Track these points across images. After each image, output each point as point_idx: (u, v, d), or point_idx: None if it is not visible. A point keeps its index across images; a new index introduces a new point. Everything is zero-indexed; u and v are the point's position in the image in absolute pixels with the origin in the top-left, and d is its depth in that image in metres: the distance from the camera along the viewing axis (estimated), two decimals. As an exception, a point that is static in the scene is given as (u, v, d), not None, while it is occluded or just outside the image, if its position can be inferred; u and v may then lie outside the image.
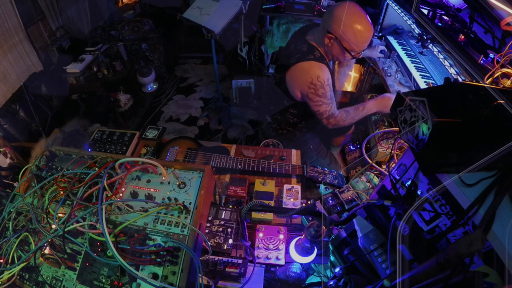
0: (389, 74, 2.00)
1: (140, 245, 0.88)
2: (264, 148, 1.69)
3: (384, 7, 2.55)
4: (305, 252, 1.04)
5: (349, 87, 2.80)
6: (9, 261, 0.94)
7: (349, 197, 1.43)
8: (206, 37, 2.67)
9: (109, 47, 3.46)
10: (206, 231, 1.13)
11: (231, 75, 3.94)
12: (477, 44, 1.64)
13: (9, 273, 0.92)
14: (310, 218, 1.26)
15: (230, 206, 1.22)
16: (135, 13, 4.38)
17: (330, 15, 1.44)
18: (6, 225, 1.00)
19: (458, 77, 1.61)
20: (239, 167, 1.45)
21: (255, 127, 3.36)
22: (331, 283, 0.94)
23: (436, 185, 0.75)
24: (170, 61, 4.37)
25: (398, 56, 2.11)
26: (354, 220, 1.00)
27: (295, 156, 1.62)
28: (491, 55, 1.45)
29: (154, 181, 1.03)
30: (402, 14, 2.25)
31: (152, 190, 1.00)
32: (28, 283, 0.95)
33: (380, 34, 2.52)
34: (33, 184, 1.05)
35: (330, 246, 1.11)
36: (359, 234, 0.95)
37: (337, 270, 1.02)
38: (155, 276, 0.85)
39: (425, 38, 2.07)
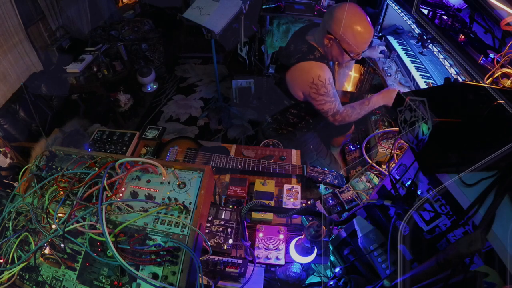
0: (389, 74, 2.00)
1: (140, 245, 0.88)
2: (264, 148, 1.69)
3: (384, 7, 2.55)
4: (305, 252, 1.04)
5: (349, 87, 2.80)
6: (9, 261, 0.94)
7: (349, 197, 1.43)
8: (206, 37, 2.67)
9: (109, 47, 3.46)
10: (206, 231, 1.13)
11: (231, 75, 3.94)
12: (477, 44, 1.64)
13: (9, 273, 0.92)
14: (310, 218, 1.26)
15: (230, 206, 1.22)
16: (135, 13, 4.38)
17: (330, 16, 1.44)
18: (6, 225, 1.00)
19: (458, 77, 1.61)
20: (239, 167, 1.45)
21: (255, 127, 3.36)
22: (331, 283, 0.94)
23: (436, 185, 0.75)
24: (170, 61, 4.37)
25: (398, 56, 2.11)
26: (354, 220, 1.00)
27: (295, 156, 1.62)
28: (491, 55, 1.45)
29: (154, 181, 1.03)
30: (402, 14, 2.25)
31: (152, 190, 1.00)
32: (28, 283, 0.95)
33: (380, 34, 2.52)
34: (33, 184, 1.05)
35: (330, 246, 1.11)
36: (359, 234, 0.95)
37: (337, 270, 1.02)
38: (155, 276, 0.85)
39: (425, 38, 2.07)
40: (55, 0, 3.04)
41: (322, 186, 1.66)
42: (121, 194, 0.99)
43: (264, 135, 1.98)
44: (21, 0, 2.61)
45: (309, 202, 1.38)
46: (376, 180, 1.49)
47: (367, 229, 0.95)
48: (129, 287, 0.86)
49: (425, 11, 2.00)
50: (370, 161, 1.56)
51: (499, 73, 1.26)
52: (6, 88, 2.47)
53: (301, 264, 1.08)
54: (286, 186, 1.34)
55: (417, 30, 2.20)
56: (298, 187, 1.34)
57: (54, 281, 0.93)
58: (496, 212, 0.59)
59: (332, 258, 1.11)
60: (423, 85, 1.79)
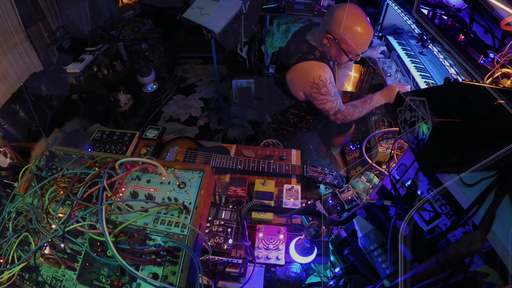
0: (389, 74, 2.00)
1: (140, 245, 0.88)
2: (264, 148, 1.69)
3: (384, 7, 2.55)
4: (305, 252, 1.04)
5: (349, 87, 2.80)
6: (9, 261, 0.94)
7: (349, 197, 1.43)
8: (206, 37, 2.67)
9: (109, 47, 3.46)
10: (206, 231, 1.13)
11: (231, 75, 3.94)
12: (477, 44, 1.64)
13: (9, 273, 0.92)
14: (310, 218, 1.26)
15: (230, 206, 1.22)
16: (135, 13, 4.38)
17: (331, 16, 1.44)
18: (6, 225, 1.00)
19: (458, 77, 1.61)
20: (239, 167, 1.45)
21: (255, 127, 3.36)
22: (331, 283, 0.94)
23: (436, 185, 0.75)
24: (170, 61, 4.37)
25: (398, 56, 2.11)
26: (354, 220, 1.00)
27: (295, 156, 1.62)
28: (491, 55, 1.45)
29: (154, 181, 1.03)
30: (402, 14, 2.25)
31: (152, 190, 1.00)
32: (28, 283, 0.95)
33: (380, 34, 2.52)
34: (33, 184, 1.05)
35: (330, 246, 1.11)
36: (359, 234, 0.95)
37: (337, 270, 1.02)
38: (155, 276, 0.85)
39: (425, 38, 2.07)
40: (55, 0, 3.04)
41: (322, 186, 1.66)
42: (121, 194, 0.99)
43: (264, 135, 1.98)
44: (21, 0, 2.61)
45: (309, 202, 1.38)
46: (376, 180, 1.49)
47: (367, 229, 0.95)
48: (129, 287, 0.86)
49: (425, 11, 1.99)
50: (370, 161, 1.56)
51: (499, 73, 1.26)
52: (6, 88, 2.47)
53: (301, 264, 1.08)
54: (286, 186, 1.34)
55: (417, 30, 2.20)
56: (298, 187, 1.34)
57: (54, 281, 0.93)
58: (496, 212, 0.59)
59: (332, 258, 1.11)
60: (423, 85, 1.79)
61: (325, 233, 0.93)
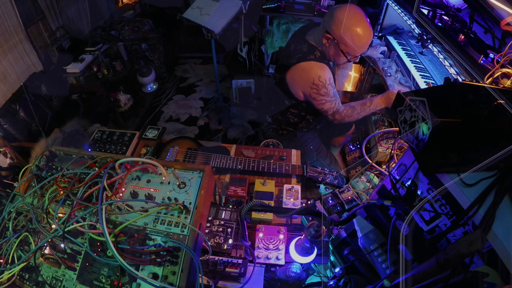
0: (389, 74, 2.00)
1: (140, 245, 0.88)
2: (264, 148, 1.69)
3: (384, 7, 2.55)
4: (305, 252, 1.04)
5: (349, 87, 2.80)
6: (9, 261, 0.94)
7: (349, 197, 1.43)
8: (206, 37, 2.67)
9: (109, 47, 3.46)
10: (206, 231, 1.13)
11: (231, 75, 3.94)
12: (477, 44, 1.64)
13: (9, 273, 0.92)
14: (310, 218, 1.26)
15: (230, 206, 1.22)
16: (135, 13, 4.38)
17: (331, 16, 1.44)
18: (6, 225, 1.00)
19: (458, 77, 1.61)
20: (239, 167, 1.45)
21: (255, 128, 3.36)
22: (331, 283, 0.94)
23: (436, 185, 0.75)
24: (170, 61, 4.37)
25: (398, 56, 2.11)
26: (354, 220, 1.00)
27: (295, 156, 1.62)
28: (491, 55, 1.45)
29: (154, 181, 1.03)
30: (402, 14, 2.25)
31: (152, 190, 1.00)
32: (28, 283, 0.95)
33: (380, 34, 2.52)
34: (33, 184, 1.05)
35: (330, 246, 1.11)
36: (359, 234, 0.95)
37: (337, 270, 1.02)
38: (155, 276, 0.85)
39: (425, 38, 2.07)
40: (55, 0, 3.04)
41: (322, 186, 1.66)
42: (121, 194, 0.99)
43: (264, 135, 1.98)
44: (21, 0, 2.61)
45: (309, 202, 1.38)
46: (376, 180, 1.49)
47: (367, 229, 0.95)
48: (129, 287, 0.86)
49: (425, 11, 1.99)
50: (370, 161, 1.56)
51: (499, 73, 1.26)
52: (6, 88, 2.47)
53: (301, 264, 1.08)
54: (286, 186, 1.34)
55: (417, 30, 2.20)
56: (298, 187, 1.34)
57: (54, 281, 0.93)
58: (496, 212, 0.59)
59: (332, 258, 1.11)
60: (423, 85, 1.79)
61: (325, 233, 0.93)
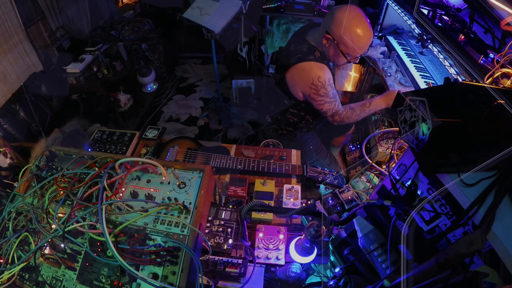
0: (389, 74, 2.00)
1: (140, 245, 0.88)
2: (264, 148, 1.70)
3: (384, 7, 2.55)
4: (305, 252, 1.04)
5: (349, 87, 2.80)
6: (9, 261, 0.94)
7: (349, 197, 1.43)
8: (206, 37, 2.67)
9: (109, 47, 3.46)
10: (206, 231, 1.13)
11: (231, 75, 3.94)
12: (477, 44, 1.64)
13: (9, 273, 0.92)
14: (310, 218, 1.26)
15: (230, 206, 1.22)
16: (135, 13, 4.38)
17: (331, 17, 1.44)
18: (6, 225, 1.00)
19: (458, 77, 1.61)
20: (239, 167, 1.45)
21: (255, 128, 3.36)
22: (331, 283, 0.94)
23: (436, 185, 0.75)
24: (170, 61, 4.37)
25: (398, 56, 2.11)
26: (354, 220, 1.00)
27: (295, 156, 1.62)
28: (491, 55, 1.45)
29: (154, 181, 1.03)
30: (402, 14, 2.25)
31: (152, 190, 1.00)
32: (28, 283, 0.95)
33: (380, 34, 2.52)
34: (33, 184, 1.05)
35: (330, 246, 1.11)
36: (359, 234, 0.95)
37: (337, 270, 1.02)
38: (155, 276, 0.85)
39: (425, 38, 2.07)
40: (55, 0, 3.04)
41: (322, 186, 1.66)
42: (121, 194, 0.99)
43: (264, 136, 1.98)
44: (21, 0, 2.61)
45: (309, 202, 1.38)
46: (376, 180, 1.49)
47: (367, 229, 0.95)
48: (129, 287, 0.86)
49: (425, 11, 1.99)
50: (370, 161, 1.56)
51: (499, 73, 1.25)
52: (6, 88, 2.47)
53: (301, 264, 1.08)
54: (286, 186, 1.34)
55: (417, 30, 2.20)
56: (298, 187, 1.34)
57: (54, 281, 0.93)
58: (496, 212, 0.59)
59: (332, 258, 1.11)
60: (423, 85, 1.79)
61: (325, 233, 0.93)
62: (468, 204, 0.64)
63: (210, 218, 1.16)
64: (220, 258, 1.05)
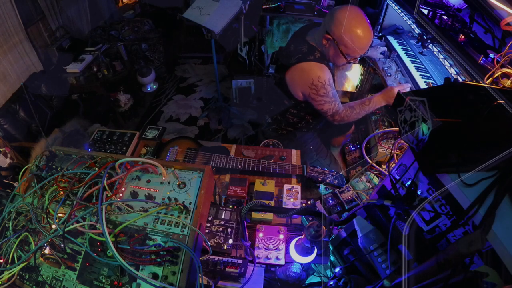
0: (389, 74, 2.00)
1: (140, 245, 0.88)
2: (264, 148, 1.69)
3: (384, 7, 2.55)
4: (305, 252, 1.04)
5: (349, 87, 2.79)
6: (9, 261, 0.94)
7: (349, 197, 1.43)
8: (206, 37, 2.67)
9: (109, 47, 3.46)
10: (206, 231, 1.13)
11: (231, 75, 3.94)
12: (477, 44, 1.63)
13: (9, 273, 0.92)
14: (310, 218, 1.26)
15: (230, 206, 1.22)
16: (135, 13, 4.38)
17: (331, 17, 1.44)
18: (6, 225, 1.00)
19: (458, 77, 1.61)
20: (239, 167, 1.45)
21: (255, 128, 3.36)
22: (331, 283, 0.94)
23: (436, 185, 0.75)
24: (170, 61, 4.37)
25: (398, 56, 2.11)
26: (354, 220, 1.00)
27: (295, 156, 1.62)
28: (491, 55, 1.45)
29: (154, 181, 1.03)
30: (402, 14, 2.25)
31: (152, 190, 1.00)
32: (28, 283, 0.95)
33: (380, 34, 2.52)
34: (33, 184, 1.05)
35: (330, 246, 1.11)
36: (359, 234, 0.95)
37: (337, 270, 1.02)
38: (155, 276, 0.85)
39: (425, 38, 2.06)
40: (55, 0, 3.04)
41: (322, 186, 1.66)
42: (121, 194, 0.99)
43: (264, 136, 1.98)
44: (21, 0, 2.61)
45: (309, 202, 1.38)
46: (376, 180, 1.49)
47: (367, 229, 0.95)
48: (129, 287, 0.86)
49: (425, 11, 1.99)
50: (370, 161, 1.56)
51: (499, 73, 1.25)
52: (6, 88, 2.47)
53: (301, 264, 1.08)
54: (286, 186, 1.34)
55: (417, 30, 2.20)
56: (298, 187, 1.34)
57: (54, 281, 0.93)
58: (496, 212, 0.59)
59: (332, 258, 1.11)
60: (423, 85, 1.79)
61: (325, 233, 0.93)
62: (468, 204, 0.64)
63: (210, 218, 1.16)
64: (220, 258, 1.05)
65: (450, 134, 0.66)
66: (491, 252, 0.60)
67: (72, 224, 0.88)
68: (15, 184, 1.30)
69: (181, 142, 1.61)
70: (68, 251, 0.94)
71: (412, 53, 2.14)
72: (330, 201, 1.44)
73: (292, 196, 1.31)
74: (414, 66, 1.97)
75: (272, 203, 1.29)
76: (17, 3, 2.50)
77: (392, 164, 1.12)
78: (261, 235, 1.16)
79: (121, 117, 3.39)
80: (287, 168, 1.44)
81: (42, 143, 1.46)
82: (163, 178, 1.03)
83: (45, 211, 0.94)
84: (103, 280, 0.89)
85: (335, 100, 1.57)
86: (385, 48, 2.25)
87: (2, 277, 0.91)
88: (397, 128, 0.81)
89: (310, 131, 1.90)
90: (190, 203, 0.97)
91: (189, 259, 0.86)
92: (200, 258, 1.02)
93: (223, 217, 1.17)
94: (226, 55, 4.33)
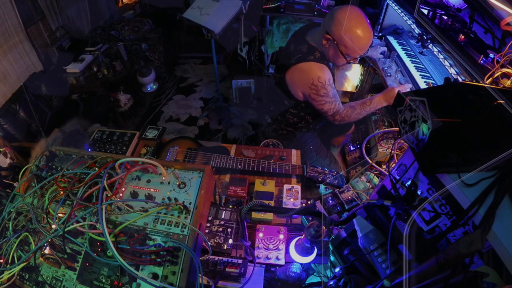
0: (389, 74, 2.00)
1: (140, 245, 0.88)
2: (264, 148, 1.69)
3: (384, 7, 2.55)
4: (305, 252, 1.04)
5: (349, 87, 2.79)
6: (9, 261, 0.94)
7: (349, 197, 1.43)
8: (206, 37, 2.67)
9: (109, 47, 3.46)
10: (206, 231, 1.13)
11: (231, 75, 3.94)
12: (477, 44, 1.63)
13: (9, 273, 0.92)
14: (310, 218, 1.26)
15: (230, 206, 1.22)
16: (135, 13, 4.38)
17: (331, 18, 1.44)
18: (6, 225, 1.00)
19: (458, 77, 1.61)
20: (239, 167, 1.45)
21: (255, 129, 3.36)
22: (331, 283, 0.94)
23: (436, 185, 0.75)
24: (170, 61, 4.37)
25: (398, 56, 2.11)
26: (354, 220, 1.00)
27: (295, 156, 1.62)
28: (491, 55, 1.45)
29: (154, 181, 1.03)
30: (402, 14, 2.25)
31: (152, 190, 1.00)
32: (28, 283, 0.95)
33: (380, 34, 2.52)
34: (33, 184, 1.05)
35: (330, 246, 1.11)
36: (359, 234, 0.95)
37: (337, 270, 1.02)
38: (155, 276, 0.85)
39: (425, 38, 2.06)
40: (55, 0, 3.04)
41: (322, 186, 1.66)
42: (121, 194, 0.99)
43: (264, 136, 1.98)
44: (21, 0, 2.61)
45: (309, 202, 1.38)
46: (376, 180, 1.49)
47: (367, 229, 0.95)
48: (129, 287, 0.86)
49: (425, 11, 1.99)
50: (370, 161, 1.56)
51: (499, 73, 1.25)
52: (6, 88, 2.47)
53: (301, 264, 1.08)
54: (286, 186, 1.34)
55: (417, 30, 2.20)
56: (298, 187, 1.34)
57: (54, 281, 0.93)
58: (496, 212, 0.59)
59: (332, 258, 1.11)
60: (423, 85, 1.79)
61: (325, 233, 0.93)
62: (468, 204, 0.64)
63: (210, 218, 1.16)
64: (220, 258, 1.05)
65: (450, 134, 0.66)
66: (491, 252, 0.60)
67: (72, 224, 0.88)
68: (15, 184, 1.30)
69: (181, 142, 1.61)
70: (68, 251, 0.94)
71: (412, 53, 2.14)
72: (330, 201, 1.44)
73: (292, 196, 1.31)
74: (414, 66, 1.97)
75: (272, 203, 1.29)
76: (17, 3, 2.50)
77: (392, 164, 1.12)
78: (261, 235, 1.16)
79: (121, 117, 3.39)
80: (287, 168, 1.44)
81: (42, 143, 1.46)
82: (163, 178, 1.03)
83: (45, 211, 0.94)
84: (103, 280, 0.89)
85: (335, 100, 1.57)
86: (385, 48, 2.25)
87: (2, 277, 0.91)
88: (397, 128, 0.81)
89: (310, 131, 1.90)
90: (190, 203, 0.97)
91: (189, 259, 0.86)
92: (200, 258, 1.02)
93: (223, 217, 1.17)
94: (226, 55, 4.33)
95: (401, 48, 2.20)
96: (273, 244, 1.13)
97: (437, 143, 0.66)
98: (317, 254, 1.06)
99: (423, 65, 2.00)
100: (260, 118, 2.83)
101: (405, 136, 0.75)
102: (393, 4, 2.36)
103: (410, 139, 0.73)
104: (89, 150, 1.49)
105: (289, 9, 3.28)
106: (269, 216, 1.25)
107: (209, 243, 1.09)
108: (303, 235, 1.00)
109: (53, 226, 0.93)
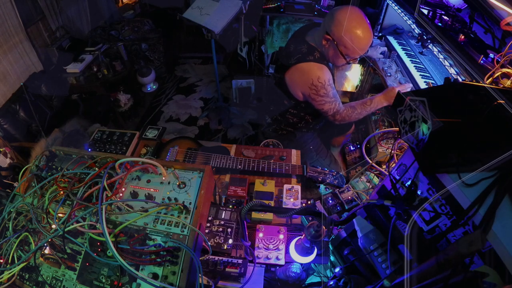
0: (389, 74, 2.00)
1: (140, 245, 0.88)
2: (264, 148, 1.69)
3: (384, 7, 2.55)
4: (305, 252, 1.04)
5: (349, 87, 2.79)
6: (9, 261, 0.94)
7: (349, 197, 1.43)
8: (206, 37, 2.67)
9: (109, 47, 3.46)
10: (206, 231, 1.13)
11: (231, 75, 3.94)
12: (477, 44, 1.63)
13: (9, 273, 0.92)
14: (310, 218, 1.26)
15: (230, 206, 1.22)
16: (135, 13, 4.38)
17: (331, 18, 1.44)
18: (6, 225, 1.00)
19: (458, 77, 1.61)
20: (239, 167, 1.45)
21: (255, 129, 3.36)
22: (331, 283, 0.94)
23: (436, 185, 0.75)
24: (170, 61, 4.37)
25: (398, 56, 2.11)
26: (354, 220, 1.00)
27: (295, 156, 1.62)
28: (491, 55, 1.45)
29: (154, 181, 1.03)
30: (402, 14, 2.25)
31: (152, 190, 1.00)
32: (28, 283, 0.95)
33: (380, 34, 2.52)
34: (33, 184, 1.05)
35: (330, 246, 1.11)
36: (359, 234, 0.95)
37: (337, 270, 1.02)
38: (155, 276, 0.85)
39: (425, 38, 2.06)
40: (55, 0, 3.04)
41: (322, 186, 1.66)
42: (121, 194, 0.99)
43: (264, 136, 1.98)
44: (21, 0, 2.61)
45: (309, 202, 1.38)
46: (376, 180, 1.49)
47: (367, 229, 0.95)
48: (129, 287, 0.86)
49: (425, 11, 1.99)
50: (370, 161, 1.56)
51: (499, 73, 1.25)
52: (6, 88, 2.47)
53: (301, 264, 1.08)
54: (286, 186, 1.34)
55: (417, 30, 2.20)
56: (298, 187, 1.34)
57: (54, 281, 0.93)
58: (496, 212, 0.59)
59: (332, 258, 1.11)
60: (423, 85, 1.79)
61: (325, 233, 0.93)
62: (468, 204, 0.64)
63: (210, 218, 1.16)
64: (220, 258, 1.05)
65: (450, 134, 0.66)
66: (491, 252, 0.60)
67: (72, 224, 0.88)
68: (15, 184, 1.30)
69: (181, 142, 1.61)
70: (68, 251, 0.94)
71: (412, 53, 2.14)
72: (330, 201, 1.44)
73: (292, 196, 1.31)
74: (414, 66, 1.97)
75: (272, 203, 1.29)
76: (17, 3, 2.50)
77: (392, 164, 1.12)
78: (261, 235, 1.16)
79: (121, 117, 3.39)
80: (287, 168, 1.44)
81: (42, 143, 1.46)
82: (163, 178, 1.03)
83: (45, 211, 0.94)
84: (103, 280, 0.89)
85: (335, 100, 1.57)
86: (385, 48, 2.25)
87: (2, 277, 0.91)
88: (397, 128, 0.81)
89: (310, 131, 1.90)
90: (190, 203, 0.97)
91: (189, 259, 0.86)
92: (200, 258, 1.02)
93: (223, 217, 1.17)
94: (226, 55, 4.33)
95: (401, 48, 2.20)
96: (273, 244, 1.13)
97: (437, 143, 0.66)
98: (317, 254, 1.06)
99: (423, 65, 2.00)
100: (260, 118, 2.83)
101: (405, 136, 0.75)
102: (393, 4, 2.36)
103: (410, 139, 0.73)
104: (89, 150, 1.49)
105: (289, 9, 3.28)
106: (269, 216, 1.25)
107: (209, 243, 1.09)
108: (303, 235, 1.00)
109: (53, 226, 0.93)
